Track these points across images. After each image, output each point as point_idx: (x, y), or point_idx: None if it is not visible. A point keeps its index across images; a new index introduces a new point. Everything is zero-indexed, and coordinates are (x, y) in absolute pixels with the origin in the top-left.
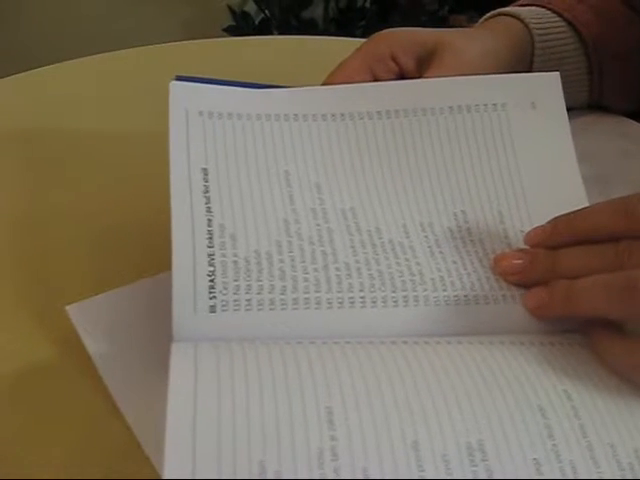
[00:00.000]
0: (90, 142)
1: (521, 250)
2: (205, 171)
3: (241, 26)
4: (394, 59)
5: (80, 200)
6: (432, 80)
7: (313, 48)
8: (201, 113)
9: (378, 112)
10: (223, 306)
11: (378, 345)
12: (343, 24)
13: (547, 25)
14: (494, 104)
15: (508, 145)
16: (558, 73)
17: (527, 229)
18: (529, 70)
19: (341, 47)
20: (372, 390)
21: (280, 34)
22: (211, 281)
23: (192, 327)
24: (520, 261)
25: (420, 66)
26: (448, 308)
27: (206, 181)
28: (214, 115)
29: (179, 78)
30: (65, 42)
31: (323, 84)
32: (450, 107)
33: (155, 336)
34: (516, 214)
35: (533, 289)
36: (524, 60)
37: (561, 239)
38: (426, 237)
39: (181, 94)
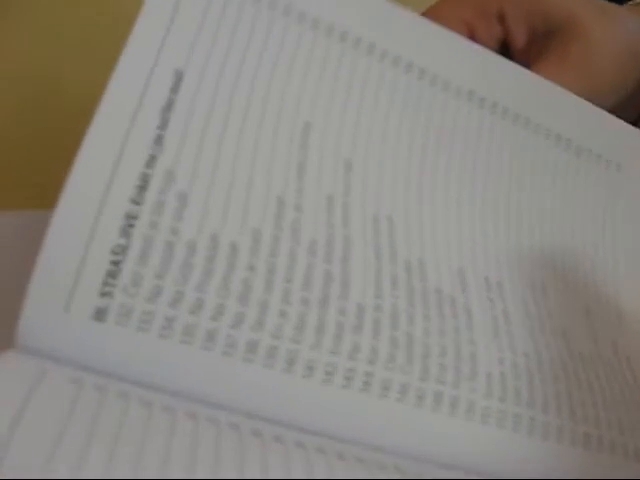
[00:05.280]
0: None
1: None
2: (179, 74)
3: None
4: (501, 20)
5: None
6: (550, 85)
7: None
8: None
9: (457, 87)
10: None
11: None
12: None
13: None
14: (608, 160)
15: (615, 209)
16: None
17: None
18: None
19: None
20: None
21: None
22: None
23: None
24: None
25: (532, 41)
26: (515, 439)
27: (174, 92)
28: None
29: None
30: None
31: None
32: (558, 135)
33: None
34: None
35: None
36: None
37: None
38: (490, 301)
39: None
